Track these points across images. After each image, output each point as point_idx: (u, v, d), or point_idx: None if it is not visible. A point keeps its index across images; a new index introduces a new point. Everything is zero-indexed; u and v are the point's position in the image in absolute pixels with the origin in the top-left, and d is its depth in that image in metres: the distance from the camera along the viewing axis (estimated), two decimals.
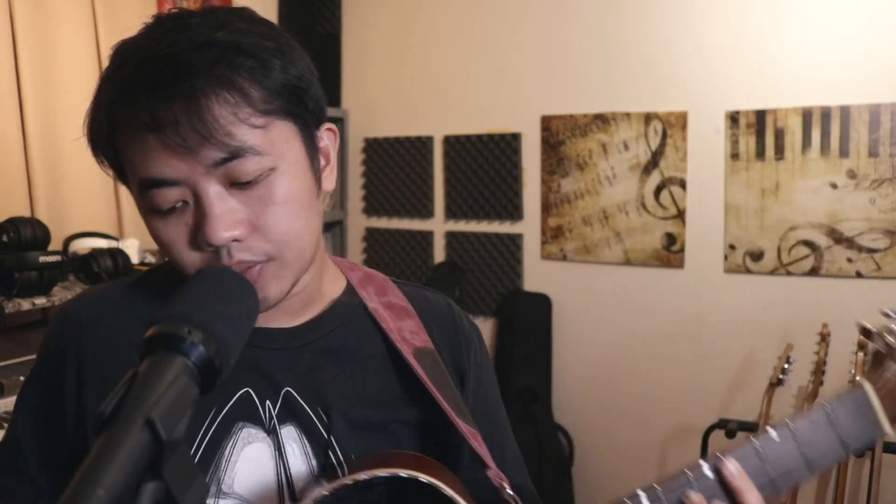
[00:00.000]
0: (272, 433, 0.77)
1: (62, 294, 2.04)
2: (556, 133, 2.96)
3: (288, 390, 0.78)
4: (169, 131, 0.64)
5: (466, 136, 3.13)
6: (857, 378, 0.69)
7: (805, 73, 2.55)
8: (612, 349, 2.93)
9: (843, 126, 2.50)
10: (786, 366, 2.41)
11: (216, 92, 0.64)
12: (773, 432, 0.70)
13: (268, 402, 0.77)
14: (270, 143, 0.68)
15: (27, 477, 0.80)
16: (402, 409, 0.81)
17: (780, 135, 2.59)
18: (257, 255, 0.70)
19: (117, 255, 2.18)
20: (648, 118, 2.80)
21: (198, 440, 0.75)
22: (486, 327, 3.17)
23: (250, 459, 0.75)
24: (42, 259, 1.94)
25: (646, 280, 2.85)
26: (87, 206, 2.46)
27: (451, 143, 3.16)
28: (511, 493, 0.75)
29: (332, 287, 0.85)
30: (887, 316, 0.71)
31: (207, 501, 0.74)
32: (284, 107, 0.69)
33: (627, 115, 2.83)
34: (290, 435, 0.77)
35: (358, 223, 3.43)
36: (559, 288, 3.00)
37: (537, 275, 3.05)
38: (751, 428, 2.46)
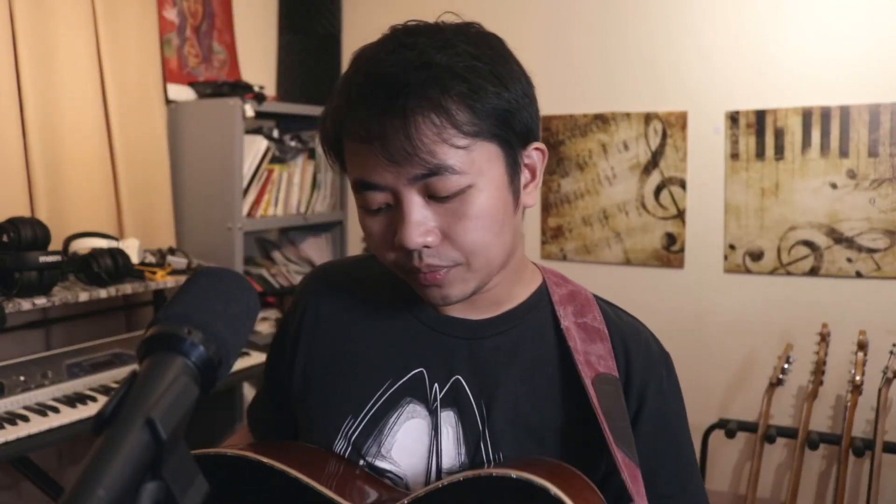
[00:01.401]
0: (433, 414, 0.83)
1: (62, 294, 2.04)
2: (556, 133, 2.97)
3: (458, 378, 0.84)
4: (378, 144, 0.72)
5: None
6: None
7: (805, 73, 2.55)
8: None
9: (843, 126, 2.50)
10: (786, 366, 2.41)
11: (425, 113, 0.70)
12: None
13: (436, 384, 0.84)
14: (471, 162, 0.73)
15: (267, 412, 1.00)
16: (564, 424, 0.83)
17: (779, 135, 2.59)
18: (445, 261, 0.76)
19: (117, 255, 2.18)
20: (648, 118, 2.80)
21: (368, 405, 0.84)
22: None
23: (409, 432, 0.83)
24: (42, 259, 1.94)
25: (646, 280, 2.85)
26: (87, 206, 2.46)
27: None
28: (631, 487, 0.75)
29: (524, 292, 0.89)
30: None
31: (371, 459, 0.83)
32: (490, 129, 0.74)
33: (627, 115, 2.83)
34: (448, 419, 0.83)
35: (358, 223, 3.43)
36: None
37: None
38: (751, 428, 2.46)
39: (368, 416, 0.84)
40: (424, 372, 0.84)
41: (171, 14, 2.79)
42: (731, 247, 2.70)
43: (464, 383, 0.84)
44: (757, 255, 2.66)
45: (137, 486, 0.45)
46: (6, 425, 1.83)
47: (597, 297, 0.93)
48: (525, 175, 0.81)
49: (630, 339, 0.88)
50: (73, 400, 2.02)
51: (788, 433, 2.43)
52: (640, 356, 0.87)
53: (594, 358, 0.84)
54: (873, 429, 2.24)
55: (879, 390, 2.23)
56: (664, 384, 0.87)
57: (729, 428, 2.48)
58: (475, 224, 0.74)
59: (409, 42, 0.74)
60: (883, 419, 2.22)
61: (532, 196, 0.82)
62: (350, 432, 0.84)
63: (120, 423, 0.45)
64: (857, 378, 2.25)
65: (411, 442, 0.83)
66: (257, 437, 1.02)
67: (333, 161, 0.81)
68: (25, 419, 1.87)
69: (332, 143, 0.79)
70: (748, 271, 2.68)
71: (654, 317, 2.82)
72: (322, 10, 3.35)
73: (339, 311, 0.90)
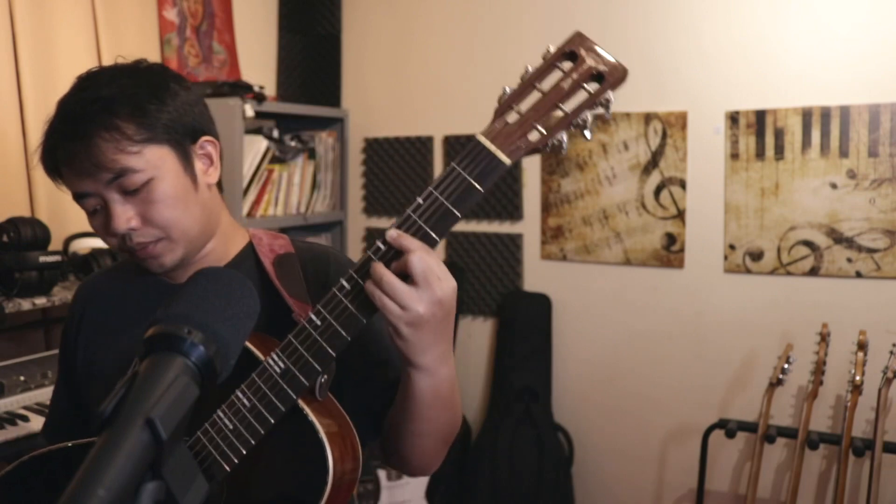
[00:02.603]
0: None
1: (62, 294, 2.04)
2: None
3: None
4: (73, 164, 0.98)
5: (466, 136, 3.13)
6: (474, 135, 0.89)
7: (805, 73, 2.55)
8: (611, 349, 2.93)
9: (843, 126, 2.50)
10: (786, 366, 2.41)
11: (100, 133, 0.96)
12: (418, 199, 0.87)
13: None
14: (146, 161, 0.98)
15: (67, 420, 1.22)
16: (270, 328, 0.99)
17: (779, 135, 2.59)
18: (150, 238, 1.02)
19: (117, 255, 2.18)
20: (648, 118, 2.80)
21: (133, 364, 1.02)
22: (485, 327, 3.17)
23: None
24: (42, 259, 1.94)
25: (646, 280, 2.85)
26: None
27: (451, 143, 3.16)
28: (300, 317, 0.93)
29: (234, 250, 1.14)
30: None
31: None
32: (157, 135, 0.99)
33: (627, 115, 2.83)
34: None
35: (358, 223, 3.43)
36: (559, 288, 3.00)
37: (537, 275, 3.05)
38: (751, 428, 2.46)
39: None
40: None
41: (171, 14, 2.79)
42: (731, 247, 2.70)
43: None
44: (757, 255, 2.66)
45: (137, 485, 0.45)
46: (6, 425, 1.83)
47: (293, 239, 1.16)
48: (204, 161, 1.07)
49: (317, 255, 1.13)
50: None
51: (788, 433, 2.43)
52: (331, 265, 1.11)
53: (277, 247, 1.12)
54: (873, 429, 2.24)
55: (879, 390, 2.23)
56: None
57: (729, 428, 2.48)
58: (163, 206, 1.00)
59: (85, 85, 1.01)
60: (883, 419, 2.22)
61: (212, 176, 1.08)
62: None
63: (120, 423, 0.45)
64: (857, 378, 2.25)
65: None
66: None
67: (57, 183, 1.04)
68: (25, 419, 1.87)
69: (51, 170, 1.03)
70: (748, 271, 2.67)
71: (654, 317, 2.84)
72: (322, 10, 3.35)
73: (105, 294, 1.18)
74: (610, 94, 0.86)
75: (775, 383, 2.40)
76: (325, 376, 0.90)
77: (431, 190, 0.87)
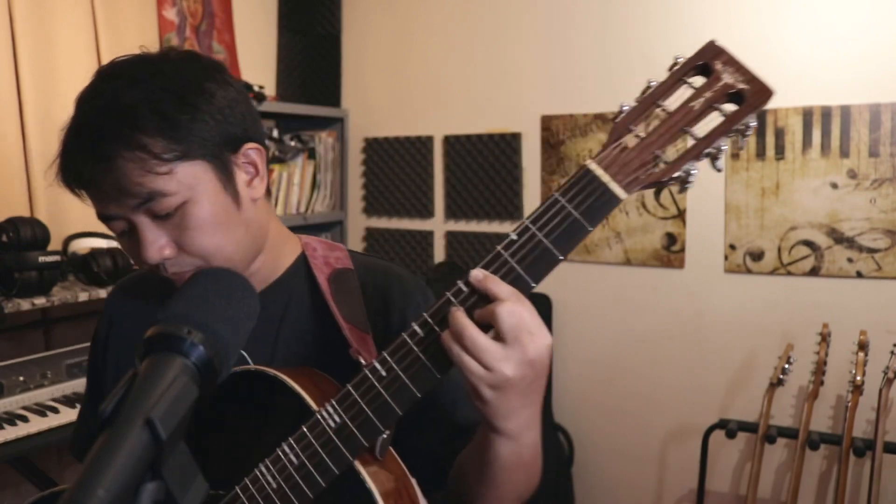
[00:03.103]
0: None
1: (61, 294, 2.03)
2: (556, 133, 2.96)
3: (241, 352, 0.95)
4: (94, 187, 0.84)
5: (466, 136, 3.13)
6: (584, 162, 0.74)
7: (805, 73, 2.55)
8: (612, 349, 2.93)
9: (844, 126, 2.49)
10: (786, 366, 2.41)
11: (123, 153, 0.80)
12: (511, 235, 0.74)
13: None
14: (178, 182, 0.82)
15: (91, 418, 1.11)
16: (327, 353, 0.93)
17: (780, 134, 2.59)
18: (186, 267, 0.86)
19: (117, 255, 2.18)
20: None
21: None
22: None
23: None
24: (42, 259, 1.94)
25: (646, 280, 2.85)
26: (87, 206, 2.45)
27: (451, 143, 3.16)
28: (359, 354, 0.85)
29: (285, 264, 1.00)
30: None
31: None
32: (190, 150, 0.82)
33: None
34: None
35: (358, 223, 3.43)
36: (559, 288, 3.00)
37: None
38: (751, 428, 2.46)
39: None
40: None
41: (171, 14, 2.79)
42: (732, 247, 2.69)
43: (244, 354, 0.94)
44: (757, 255, 2.66)
45: (137, 485, 0.44)
46: (6, 425, 1.82)
47: (352, 251, 1.03)
48: (248, 171, 0.91)
49: (379, 274, 0.99)
50: (73, 400, 2.02)
51: (789, 433, 2.42)
52: (394, 288, 0.97)
53: (332, 259, 0.99)
54: (874, 429, 2.24)
55: (880, 390, 2.22)
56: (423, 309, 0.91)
57: (729, 428, 2.48)
58: (200, 232, 0.84)
59: (103, 88, 0.84)
60: (883, 419, 2.22)
61: (258, 189, 0.92)
62: None
63: (120, 423, 0.45)
64: (858, 378, 2.25)
65: None
66: None
67: (82, 198, 0.90)
68: (25, 419, 1.87)
69: (71, 188, 0.89)
70: (748, 271, 2.67)
71: (655, 317, 2.84)
72: (322, 10, 3.35)
73: (133, 307, 1.06)
74: (751, 119, 0.71)
75: (776, 383, 2.40)
76: (387, 432, 0.78)
77: (528, 224, 0.73)
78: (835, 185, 2.52)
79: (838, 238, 2.53)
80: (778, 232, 2.61)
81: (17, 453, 1.84)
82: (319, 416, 0.77)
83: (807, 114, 2.54)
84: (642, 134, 0.74)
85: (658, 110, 0.74)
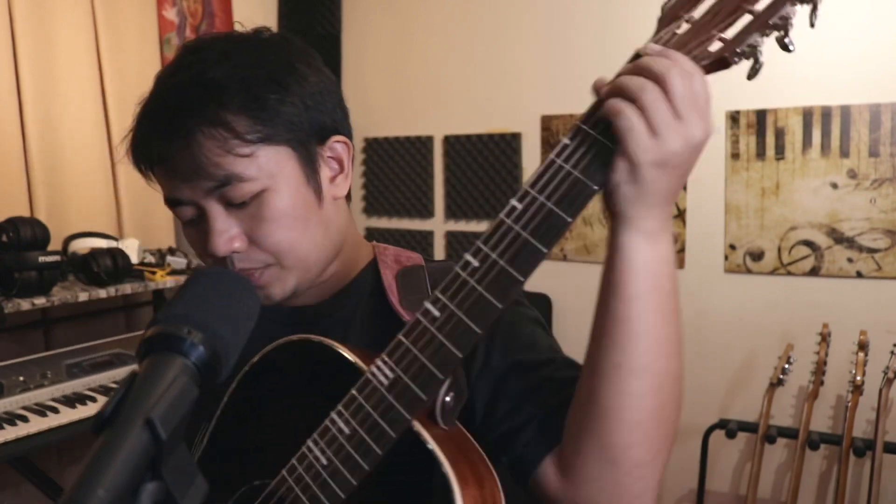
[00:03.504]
0: None
1: (61, 294, 2.03)
2: (556, 133, 2.96)
3: None
4: (168, 165, 0.77)
5: (466, 136, 3.13)
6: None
7: (805, 73, 2.55)
8: None
9: (844, 126, 2.49)
10: (786, 366, 2.41)
11: (204, 129, 0.74)
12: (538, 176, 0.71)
13: None
14: (259, 168, 0.76)
15: None
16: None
17: (780, 134, 2.59)
18: (256, 264, 0.79)
19: (117, 255, 2.18)
20: None
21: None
22: None
23: None
24: (42, 259, 1.94)
25: None
26: (87, 206, 2.46)
27: (451, 143, 3.16)
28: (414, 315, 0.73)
29: (355, 271, 0.91)
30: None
31: None
32: (276, 133, 0.77)
33: None
34: None
35: (358, 223, 3.43)
36: (559, 288, 3.00)
37: (537, 275, 3.01)
38: (751, 428, 2.46)
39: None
40: None
41: (171, 14, 2.79)
42: (732, 247, 2.69)
43: None
44: (757, 255, 2.66)
45: (137, 486, 0.44)
46: (6, 426, 1.82)
47: (427, 258, 0.93)
48: (332, 167, 0.84)
49: (447, 269, 0.88)
50: (73, 400, 2.02)
51: (789, 433, 2.43)
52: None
53: (404, 258, 0.90)
54: (874, 429, 2.24)
55: (880, 390, 2.22)
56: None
57: (729, 428, 2.48)
58: (276, 225, 0.78)
59: (188, 61, 0.78)
60: (884, 419, 2.22)
61: (341, 187, 0.84)
62: None
63: (120, 424, 0.45)
64: (858, 378, 2.25)
65: None
66: None
67: (149, 180, 0.83)
68: (25, 419, 1.87)
69: (140, 167, 0.82)
70: (748, 271, 2.67)
71: None
72: (322, 10, 3.35)
73: None
74: None
75: (776, 383, 2.40)
76: (452, 394, 0.69)
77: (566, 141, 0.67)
78: (835, 185, 2.52)
79: (838, 238, 2.53)
80: (778, 232, 2.61)
81: (17, 453, 1.84)
82: (369, 374, 0.68)
83: (807, 114, 2.55)
84: (696, 16, 0.68)
85: None
